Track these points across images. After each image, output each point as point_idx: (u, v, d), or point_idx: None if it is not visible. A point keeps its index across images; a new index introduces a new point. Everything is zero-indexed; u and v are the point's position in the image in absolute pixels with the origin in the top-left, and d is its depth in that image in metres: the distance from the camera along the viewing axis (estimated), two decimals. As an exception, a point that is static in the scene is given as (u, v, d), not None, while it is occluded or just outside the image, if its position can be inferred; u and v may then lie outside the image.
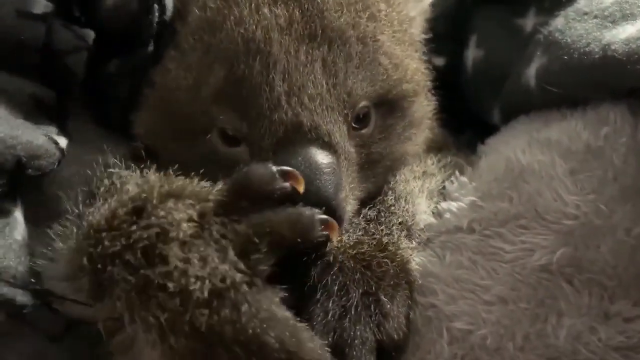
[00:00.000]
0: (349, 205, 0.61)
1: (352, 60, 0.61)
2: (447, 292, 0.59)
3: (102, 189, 0.54)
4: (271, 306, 0.47)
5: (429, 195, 0.68)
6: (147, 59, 0.66)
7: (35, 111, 0.61)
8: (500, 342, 0.56)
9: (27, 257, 0.55)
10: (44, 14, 0.61)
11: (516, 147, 0.62)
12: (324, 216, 0.52)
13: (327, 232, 0.52)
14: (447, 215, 0.64)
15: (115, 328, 0.50)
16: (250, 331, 0.44)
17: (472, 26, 0.81)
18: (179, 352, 0.45)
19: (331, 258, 0.57)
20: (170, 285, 0.45)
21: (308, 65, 0.59)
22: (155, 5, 0.65)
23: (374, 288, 0.56)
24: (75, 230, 0.52)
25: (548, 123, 0.64)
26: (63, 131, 0.62)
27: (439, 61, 0.86)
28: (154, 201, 0.49)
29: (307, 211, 0.51)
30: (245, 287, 0.46)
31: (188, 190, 0.51)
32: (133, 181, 0.52)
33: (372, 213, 0.63)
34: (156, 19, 0.64)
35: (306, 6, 0.61)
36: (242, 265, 0.47)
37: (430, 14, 0.86)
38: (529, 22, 0.73)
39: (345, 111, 0.61)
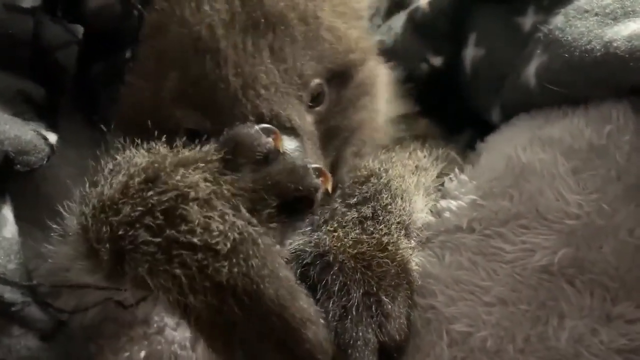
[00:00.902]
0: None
1: (298, 42, 0.62)
2: (447, 294, 0.58)
3: (106, 170, 0.53)
4: (275, 263, 0.48)
5: (425, 192, 0.67)
6: (124, 64, 0.66)
7: (24, 107, 0.61)
8: (501, 344, 0.55)
9: (19, 254, 0.55)
10: (32, 8, 0.61)
11: (517, 144, 0.61)
12: (316, 165, 0.55)
13: (321, 179, 0.54)
14: (447, 214, 0.63)
15: (134, 300, 0.53)
16: (256, 285, 0.46)
17: (471, 25, 0.79)
18: (196, 310, 0.47)
19: (331, 257, 0.56)
20: (195, 240, 0.47)
21: (256, 55, 0.60)
22: (135, 11, 0.64)
23: (374, 288, 0.55)
24: (85, 209, 0.52)
25: (550, 120, 0.63)
26: (53, 128, 0.61)
27: (437, 61, 0.85)
28: (167, 169, 0.50)
29: (298, 160, 0.53)
30: (260, 241, 0.48)
31: (196, 156, 0.52)
32: (141, 155, 0.53)
33: (367, 211, 0.62)
34: (136, 25, 0.64)
35: None
36: (254, 220, 0.49)
37: (428, 12, 0.85)
38: (528, 20, 0.72)
39: (300, 93, 0.62)
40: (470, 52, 0.78)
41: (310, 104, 0.64)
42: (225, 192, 0.50)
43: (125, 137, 0.55)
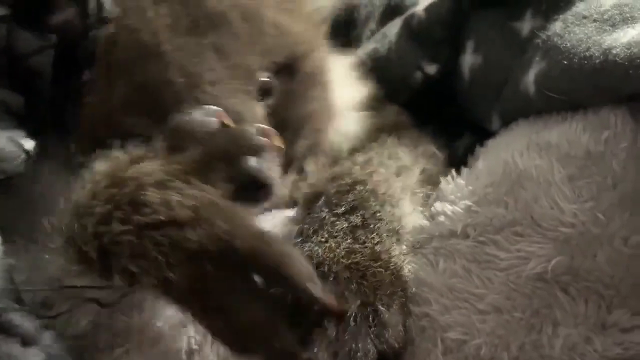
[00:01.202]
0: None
1: (241, 39, 0.63)
2: (441, 302, 0.58)
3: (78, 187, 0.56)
4: (239, 218, 0.50)
5: (411, 194, 0.67)
6: (82, 86, 0.66)
7: (3, 117, 0.61)
8: (495, 352, 0.54)
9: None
10: (3, 16, 0.62)
11: (514, 150, 0.61)
12: (260, 125, 0.56)
13: (266, 139, 0.54)
14: (442, 217, 0.62)
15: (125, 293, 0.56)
16: (225, 242, 0.48)
17: (468, 31, 0.79)
18: (178, 284, 0.48)
19: (325, 268, 0.57)
20: (160, 218, 0.49)
21: (200, 55, 0.61)
22: (92, 31, 0.64)
23: (371, 298, 0.55)
24: (66, 219, 0.54)
25: (548, 126, 0.62)
26: (33, 135, 0.62)
27: (432, 69, 0.84)
28: (123, 167, 0.53)
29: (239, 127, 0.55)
30: (218, 202, 0.50)
31: (146, 152, 0.55)
32: (101, 163, 0.56)
33: (357, 219, 0.62)
34: (93, 45, 0.64)
35: (187, 0, 0.63)
36: (211, 188, 0.51)
37: (424, 19, 0.84)
38: (525, 25, 0.71)
39: (248, 87, 0.63)
40: (468, 60, 0.77)
41: (260, 98, 0.65)
42: (177, 170, 0.52)
43: (86, 151, 0.58)
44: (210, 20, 0.62)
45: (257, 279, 0.49)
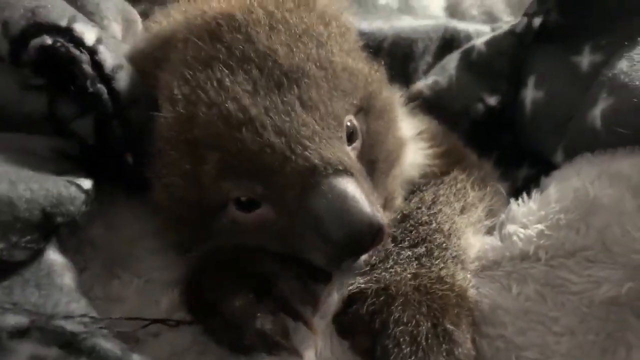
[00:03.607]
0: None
1: (322, 87, 0.63)
2: (516, 324, 0.60)
3: None
4: None
5: (474, 230, 0.70)
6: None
7: (62, 163, 0.63)
8: (571, 373, 0.56)
9: (80, 297, 0.57)
10: (43, 85, 0.63)
11: (586, 178, 0.63)
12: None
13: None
14: (514, 238, 0.65)
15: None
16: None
17: (530, 66, 0.82)
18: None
19: (393, 290, 0.60)
20: None
21: (291, 111, 0.60)
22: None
23: (440, 319, 0.59)
24: None
25: (617, 157, 0.65)
26: (90, 175, 0.63)
27: (493, 100, 0.87)
28: None
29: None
30: None
31: None
32: None
33: (421, 250, 0.65)
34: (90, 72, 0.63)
35: (260, 63, 0.62)
36: None
37: (484, 52, 0.88)
38: (585, 59, 0.74)
39: (339, 134, 0.62)
40: (530, 94, 0.80)
41: (348, 143, 0.65)
42: None
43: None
44: (290, 76, 0.62)
45: None
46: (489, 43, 0.87)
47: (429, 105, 0.89)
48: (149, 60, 0.69)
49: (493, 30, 0.96)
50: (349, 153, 0.63)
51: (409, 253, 0.65)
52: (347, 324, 0.60)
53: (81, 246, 0.65)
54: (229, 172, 0.60)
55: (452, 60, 0.93)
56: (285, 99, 0.60)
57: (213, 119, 0.60)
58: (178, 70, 0.64)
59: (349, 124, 0.65)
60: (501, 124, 0.87)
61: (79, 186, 0.60)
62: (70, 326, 0.50)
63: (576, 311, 0.59)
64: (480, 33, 0.97)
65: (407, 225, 0.68)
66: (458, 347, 0.57)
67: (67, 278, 0.57)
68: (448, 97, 0.89)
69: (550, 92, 0.78)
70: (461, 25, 1.02)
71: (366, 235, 0.56)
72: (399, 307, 0.59)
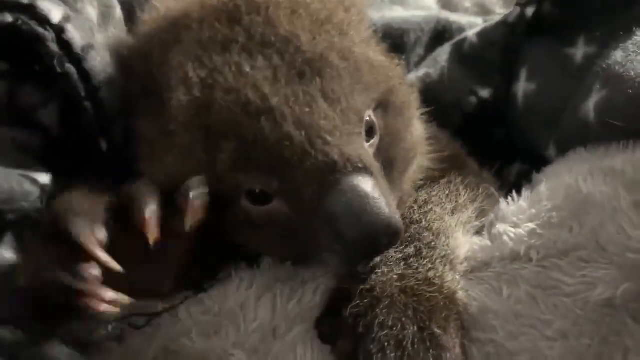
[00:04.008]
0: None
1: (345, 79, 0.60)
2: (507, 329, 0.57)
3: None
4: None
5: (464, 230, 0.67)
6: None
7: (20, 156, 0.59)
8: (564, 379, 0.54)
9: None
10: (4, 71, 0.60)
11: (578, 175, 0.61)
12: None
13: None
14: (504, 238, 0.62)
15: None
16: None
17: (522, 58, 0.80)
18: None
19: (378, 292, 0.57)
20: None
21: (312, 104, 0.57)
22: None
23: (427, 323, 0.56)
24: None
25: (610, 153, 0.62)
26: (53, 171, 0.60)
27: (485, 93, 0.85)
28: None
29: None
30: None
31: None
32: None
33: (410, 250, 0.62)
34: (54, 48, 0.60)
35: (282, 48, 0.59)
36: None
37: (476, 43, 0.85)
38: (578, 51, 0.72)
39: (358, 130, 0.60)
40: (522, 86, 0.78)
41: (367, 139, 0.62)
42: None
43: None
44: (313, 66, 0.59)
45: None
46: (481, 34, 0.85)
47: (420, 98, 0.85)
48: (155, 43, 0.65)
49: (486, 22, 0.93)
50: (367, 150, 0.60)
51: (398, 255, 0.62)
52: (329, 327, 0.58)
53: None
54: (244, 163, 0.57)
55: (444, 53, 0.91)
56: (306, 89, 0.57)
57: (231, 106, 0.57)
58: (193, 52, 0.60)
59: (368, 119, 0.62)
60: (493, 118, 0.84)
61: (34, 180, 0.56)
62: (12, 335, 0.48)
63: (569, 314, 0.56)
64: (473, 25, 0.95)
65: None
66: (446, 353, 0.55)
67: (19, 279, 0.52)
68: (439, 90, 0.87)
69: (542, 84, 0.76)
70: (454, 17, 1.00)
71: (383, 236, 0.54)
72: (384, 310, 0.56)
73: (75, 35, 0.61)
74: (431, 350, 0.55)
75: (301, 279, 0.63)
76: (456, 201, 0.70)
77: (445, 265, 0.62)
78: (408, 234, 0.64)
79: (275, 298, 0.61)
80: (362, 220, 0.53)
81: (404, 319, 0.56)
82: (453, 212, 0.69)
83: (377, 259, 0.61)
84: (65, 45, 0.60)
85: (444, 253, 0.63)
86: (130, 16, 0.75)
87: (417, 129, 0.73)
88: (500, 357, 0.57)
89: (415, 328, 0.55)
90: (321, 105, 0.57)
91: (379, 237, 0.54)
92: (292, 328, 0.59)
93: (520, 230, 0.62)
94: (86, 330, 0.52)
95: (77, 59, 0.61)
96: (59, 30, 0.60)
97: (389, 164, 0.64)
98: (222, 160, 0.57)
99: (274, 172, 0.57)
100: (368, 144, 0.62)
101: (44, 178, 0.57)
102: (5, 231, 0.55)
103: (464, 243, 0.66)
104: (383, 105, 0.65)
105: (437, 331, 0.56)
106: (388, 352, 0.54)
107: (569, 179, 0.62)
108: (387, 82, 0.66)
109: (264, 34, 0.60)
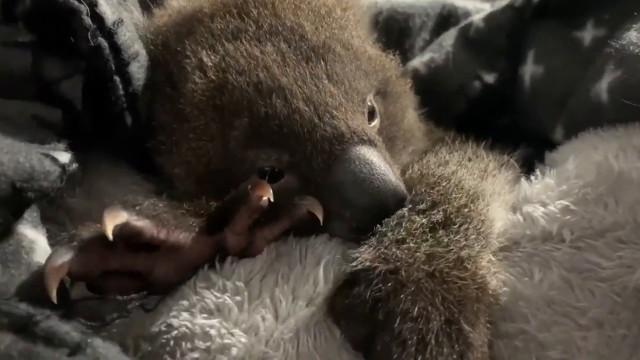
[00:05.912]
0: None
1: (347, 65, 0.65)
2: (540, 318, 0.52)
3: None
4: None
5: (502, 202, 0.62)
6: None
7: (41, 132, 0.59)
8: (597, 375, 0.49)
9: None
10: (30, 42, 0.60)
11: (608, 152, 0.57)
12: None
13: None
14: (536, 214, 0.57)
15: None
16: None
17: (529, 41, 0.77)
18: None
19: (403, 275, 0.51)
20: None
21: (318, 83, 0.62)
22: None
23: (455, 315, 0.50)
24: None
25: (630, 131, 0.59)
26: (72, 147, 0.59)
27: (490, 78, 0.81)
28: None
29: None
30: None
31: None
32: None
33: (438, 215, 0.56)
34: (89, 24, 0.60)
35: (288, 36, 0.65)
36: None
37: (483, 28, 0.82)
38: (587, 34, 0.69)
39: (362, 110, 0.64)
40: (529, 69, 0.75)
41: (368, 121, 0.66)
42: None
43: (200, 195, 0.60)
44: (317, 51, 0.64)
45: None
46: (487, 19, 0.82)
47: (424, 83, 0.83)
48: (171, 34, 0.70)
49: (493, 7, 0.90)
50: (370, 128, 0.64)
51: (424, 221, 0.55)
52: (344, 306, 0.52)
53: (59, 216, 0.61)
54: (256, 139, 0.61)
55: (449, 37, 0.87)
56: (312, 71, 0.62)
57: (243, 86, 0.61)
58: (206, 41, 0.66)
59: (369, 103, 0.67)
60: (498, 103, 0.80)
61: (54, 159, 0.56)
62: (27, 308, 0.46)
63: (606, 300, 0.51)
64: (479, 10, 0.92)
65: (426, 182, 0.61)
66: (473, 351, 0.49)
67: (36, 255, 0.53)
68: (444, 75, 0.83)
69: (550, 67, 0.73)
70: (459, 2, 0.97)
71: (390, 203, 0.57)
72: (409, 298, 0.50)
73: (106, 9, 0.62)
74: (456, 347, 0.49)
75: (308, 260, 0.56)
76: (484, 164, 0.67)
77: (481, 243, 0.55)
78: (433, 196, 0.58)
79: (279, 278, 0.53)
80: (370, 186, 0.56)
81: (430, 309, 0.50)
82: (483, 176, 0.64)
83: (401, 228, 0.55)
84: (97, 19, 0.61)
85: (480, 226, 0.57)
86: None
87: (413, 116, 0.77)
88: (529, 352, 0.51)
89: (442, 320, 0.50)
90: (327, 84, 0.62)
91: (386, 202, 0.57)
92: (294, 311, 0.52)
93: (552, 208, 0.56)
94: (104, 309, 0.50)
95: (108, 33, 0.62)
96: (92, 4, 0.61)
97: (390, 141, 0.68)
98: (235, 138, 0.61)
99: (285, 146, 0.60)
100: (370, 125, 0.66)
101: (64, 157, 0.57)
102: (25, 209, 0.55)
103: (500, 216, 0.60)
104: (381, 93, 0.70)
105: (466, 327, 0.50)
106: (410, 349, 0.48)
107: (598, 156, 0.57)
108: (384, 72, 0.71)
109: (272, 24, 0.65)
